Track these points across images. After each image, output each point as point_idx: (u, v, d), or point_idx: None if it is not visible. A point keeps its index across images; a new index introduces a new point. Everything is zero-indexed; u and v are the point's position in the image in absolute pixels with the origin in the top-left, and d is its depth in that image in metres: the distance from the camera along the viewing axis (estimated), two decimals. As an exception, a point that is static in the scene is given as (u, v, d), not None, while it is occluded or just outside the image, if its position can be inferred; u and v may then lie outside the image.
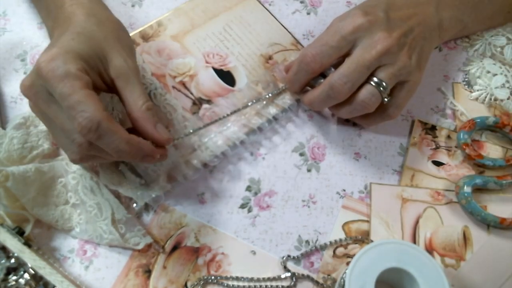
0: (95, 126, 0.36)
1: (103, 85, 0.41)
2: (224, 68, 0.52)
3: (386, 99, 0.44)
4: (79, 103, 0.36)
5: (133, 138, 0.38)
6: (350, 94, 0.44)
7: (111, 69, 0.40)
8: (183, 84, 0.51)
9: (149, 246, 0.44)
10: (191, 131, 0.46)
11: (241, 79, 0.51)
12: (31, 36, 0.56)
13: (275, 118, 0.49)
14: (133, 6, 0.58)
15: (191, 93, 0.51)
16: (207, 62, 0.52)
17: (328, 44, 0.44)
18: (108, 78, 0.41)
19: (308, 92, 0.47)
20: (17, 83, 0.52)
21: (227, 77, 0.52)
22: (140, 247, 0.43)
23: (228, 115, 0.48)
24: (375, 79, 0.43)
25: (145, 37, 0.54)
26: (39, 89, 0.38)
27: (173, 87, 0.51)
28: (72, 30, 0.40)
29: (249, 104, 0.48)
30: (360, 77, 0.43)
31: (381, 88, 0.43)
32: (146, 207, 0.46)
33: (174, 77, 0.52)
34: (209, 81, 0.51)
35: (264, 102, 0.49)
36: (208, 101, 0.50)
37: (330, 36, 0.44)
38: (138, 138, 0.39)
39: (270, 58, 0.53)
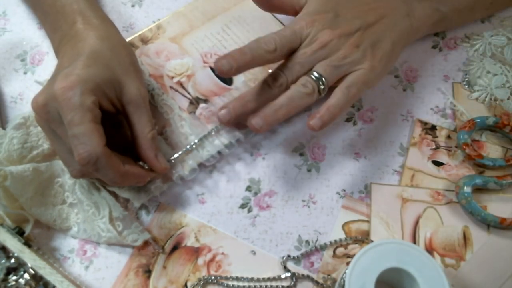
0: (94, 160, 0.38)
1: (112, 107, 0.42)
2: None
3: (323, 88, 0.43)
4: (83, 135, 0.38)
5: (128, 171, 0.41)
6: (283, 89, 0.44)
7: (124, 96, 0.42)
8: (181, 84, 0.51)
9: (148, 245, 0.44)
10: (188, 147, 0.47)
11: (239, 78, 0.51)
12: (31, 36, 0.56)
13: None
14: (133, 6, 0.58)
15: (188, 93, 0.51)
16: (204, 62, 0.53)
17: (281, 35, 0.44)
18: (118, 102, 0.42)
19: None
20: (17, 83, 0.53)
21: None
22: (138, 243, 0.43)
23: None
24: (313, 72, 0.43)
25: (145, 40, 0.54)
26: (51, 110, 0.39)
27: (171, 87, 0.51)
28: (88, 55, 0.41)
29: None
30: (293, 72, 0.44)
31: (318, 80, 0.43)
32: (146, 207, 0.46)
33: (172, 77, 0.52)
34: (206, 81, 0.51)
35: None
36: (205, 101, 0.50)
37: (283, 29, 0.45)
38: (133, 168, 0.41)
39: None
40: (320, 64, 0.44)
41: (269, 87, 0.45)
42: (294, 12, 0.49)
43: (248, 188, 0.47)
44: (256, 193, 0.47)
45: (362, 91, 0.45)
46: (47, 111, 0.39)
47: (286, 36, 0.44)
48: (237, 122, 0.46)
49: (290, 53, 0.45)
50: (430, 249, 0.44)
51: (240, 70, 0.43)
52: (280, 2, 0.49)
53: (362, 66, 0.44)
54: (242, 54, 0.43)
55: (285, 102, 0.43)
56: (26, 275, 0.39)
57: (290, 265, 0.44)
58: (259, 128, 0.43)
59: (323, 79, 0.43)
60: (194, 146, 0.47)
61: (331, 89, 0.44)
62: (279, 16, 0.56)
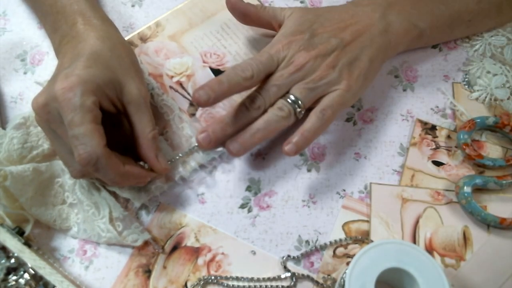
0: (94, 160, 0.38)
1: (113, 108, 0.42)
2: (222, 68, 0.52)
3: (299, 111, 0.44)
4: (84, 136, 0.38)
5: (128, 171, 0.41)
6: (261, 112, 0.45)
7: (125, 96, 0.42)
8: (180, 84, 0.51)
9: (148, 245, 0.44)
10: (189, 149, 0.47)
11: None
12: (31, 36, 0.56)
13: None
14: (133, 6, 0.58)
15: (188, 94, 0.51)
16: (204, 62, 0.52)
17: (258, 60, 0.45)
18: (119, 102, 0.42)
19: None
20: (17, 83, 0.53)
21: None
22: (138, 243, 0.43)
23: None
24: (290, 95, 0.44)
25: (143, 38, 0.54)
26: (52, 110, 0.39)
27: (170, 87, 0.51)
28: (88, 55, 0.41)
29: None
30: (270, 95, 0.44)
31: (294, 104, 0.44)
32: (146, 207, 0.46)
33: (171, 77, 0.52)
34: (206, 81, 0.51)
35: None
36: None
37: (260, 54, 0.45)
38: (133, 169, 0.41)
39: None
40: (296, 86, 0.45)
41: (247, 110, 0.45)
42: (271, 28, 0.50)
43: (248, 188, 0.47)
44: (256, 193, 0.47)
45: (338, 112, 0.46)
46: (48, 111, 0.39)
47: (263, 61, 0.45)
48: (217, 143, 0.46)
49: (267, 77, 0.45)
50: (430, 249, 0.44)
51: (218, 99, 0.43)
52: (257, 17, 0.50)
53: (339, 86, 0.45)
54: (219, 83, 0.43)
55: (261, 126, 0.44)
56: (26, 275, 0.39)
57: (290, 265, 0.44)
58: (236, 153, 0.44)
59: (299, 102, 0.44)
60: (195, 148, 0.47)
61: (309, 109, 0.45)
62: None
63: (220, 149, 0.47)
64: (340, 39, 0.46)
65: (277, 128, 0.45)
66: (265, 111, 0.45)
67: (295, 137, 0.44)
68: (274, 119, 0.44)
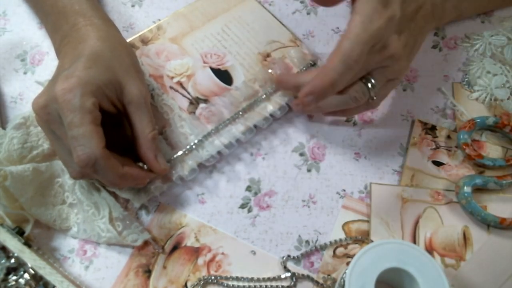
0: (92, 162, 0.38)
1: (113, 108, 0.42)
2: (222, 67, 0.52)
3: (374, 98, 0.44)
4: (83, 137, 0.38)
5: (127, 173, 0.41)
6: (344, 87, 0.43)
7: (125, 96, 0.42)
8: (181, 84, 0.51)
9: (148, 245, 0.44)
10: (188, 147, 0.47)
11: (239, 78, 0.51)
12: (31, 36, 0.56)
13: (272, 115, 0.49)
14: (133, 6, 0.58)
15: (188, 93, 0.51)
16: (204, 62, 0.53)
17: (364, 44, 0.41)
18: (119, 103, 0.42)
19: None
20: (17, 83, 0.53)
21: (224, 76, 0.52)
22: (138, 243, 0.43)
23: (228, 120, 0.48)
24: (370, 79, 0.43)
25: (145, 40, 0.54)
26: (52, 111, 0.39)
27: (171, 87, 0.51)
28: (89, 56, 0.42)
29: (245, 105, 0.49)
30: (353, 75, 0.42)
31: (372, 88, 0.43)
32: (146, 208, 0.46)
33: (172, 77, 0.52)
34: (206, 81, 0.51)
35: (264, 96, 0.49)
36: (205, 101, 0.50)
37: (365, 40, 0.41)
38: (132, 170, 0.41)
39: (268, 55, 0.53)
40: (379, 72, 0.43)
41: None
42: None
43: (248, 188, 0.47)
44: (256, 193, 0.47)
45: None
46: (48, 112, 0.40)
47: (365, 40, 0.40)
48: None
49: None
50: (430, 249, 0.44)
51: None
52: None
53: (402, 75, 0.45)
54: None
55: (335, 103, 0.44)
56: (26, 275, 0.39)
57: (290, 265, 0.44)
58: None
59: (376, 90, 0.43)
60: (194, 146, 0.47)
61: None
62: (279, 16, 0.56)
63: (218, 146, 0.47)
64: (416, 24, 0.44)
65: (345, 108, 0.45)
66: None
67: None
68: (348, 103, 0.44)
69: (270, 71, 0.51)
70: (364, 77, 0.43)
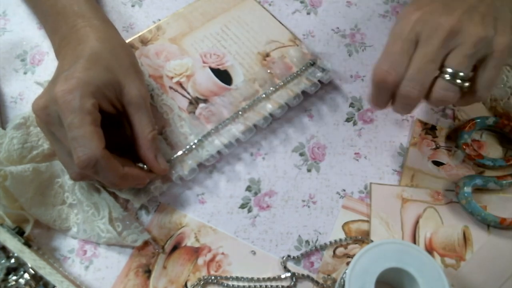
0: (93, 163, 0.38)
1: (113, 109, 0.42)
2: (221, 67, 0.52)
3: (465, 85, 0.38)
4: (83, 138, 0.38)
5: (127, 173, 0.41)
6: (424, 93, 0.39)
7: (125, 97, 0.42)
8: (180, 84, 0.51)
9: (148, 245, 0.44)
10: (187, 147, 0.47)
11: (238, 78, 0.51)
12: (31, 36, 0.56)
13: (271, 115, 0.49)
14: (133, 6, 0.58)
15: (188, 93, 0.51)
16: (204, 62, 0.53)
17: (393, 53, 0.39)
18: (119, 103, 0.42)
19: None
20: (17, 83, 0.53)
21: (224, 76, 0.52)
22: (138, 244, 0.43)
23: (228, 119, 0.48)
24: (447, 69, 0.38)
25: (144, 41, 0.54)
26: (51, 112, 0.39)
27: (170, 87, 0.51)
28: (88, 57, 0.42)
29: (247, 105, 0.48)
30: (428, 74, 0.38)
31: (457, 79, 0.38)
32: (146, 208, 0.46)
33: (171, 77, 0.52)
34: (206, 81, 0.51)
35: (264, 96, 0.49)
36: (205, 101, 0.50)
37: (392, 44, 0.40)
38: (132, 171, 0.42)
39: (267, 55, 0.53)
40: (452, 56, 0.38)
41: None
42: None
43: (248, 188, 0.47)
44: (256, 193, 0.47)
45: (500, 71, 0.39)
46: (48, 113, 0.40)
47: (398, 51, 0.39)
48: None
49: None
50: (430, 249, 0.44)
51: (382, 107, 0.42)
52: None
53: (496, 47, 0.38)
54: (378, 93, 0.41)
55: (437, 103, 0.40)
56: (26, 275, 0.39)
57: (290, 265, 0.44)
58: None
59: (461, 75, 0.38)
60: (193, 146, 0.47)
61: None
62: (277, 16, 0.56)
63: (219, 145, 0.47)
64: None
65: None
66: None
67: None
68: (438, 104, 0.39)
69: (268, 71, 0.51)
70: (441, 70, 0.39)
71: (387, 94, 0.40)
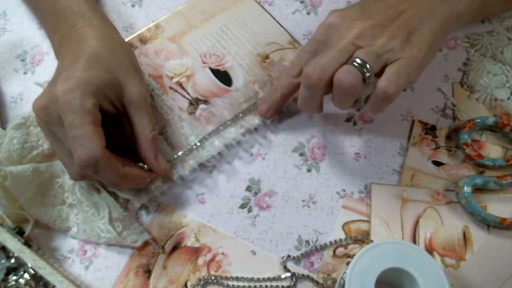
0: (93, 163, 0.38)
1: (113, 108, 0.42)
2: (221, 68, 0.52)
3: (368, 75, 0.40)
4: (83, 137, 0.38)
5: (127, 173, 0.41)
6: (325, 78, 0.40)
7: (125, 96, 0.42)
8: (180, 84, 0.51)
9: (148, 245, 0.44)
10: (188, 147, 0.47)
11: (238, 79, 0.51)
12: (31, 36, 0.56)
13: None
14: (133, 6, 0.58)
15: (188, 94, 0.51)
16: (204, 62, 0.52)
17: (303, 50, 0.44)
18: (119, 103, 0.43)
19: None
20: (17, 83, 0.53)
21: (223, 77, 0.52)
22: (138, 244, 0.43)
23: (228, 121, 0.48)
24: (354, 58, 0.40)
25: (143, 39, 0.54)
26: (52, 112, 0.40)
27: (170, 87, 0.51)
28: (88, 57, 0.42)
29: (246, 107, 0.49)
30: (331, 61, 0.40)
31: (362, 67, 0.40)
32: (146, 208, 0.46)
33: (171, 77, 0.52)
34: (205, 81, 0.51)
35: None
36: (205, 101, 0.50)
37: (305, 44, 0.45)
38: (133, 170, 0.42)
39: (267, 57, 0.53)
40: (360, 50, 0.40)
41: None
42: None
43: (248, 188, 0.47)
44: (256, 193, 0.47)
45: (403, 86, 0.40)
46: (48, 113, 0.40)
47: (307, 49, 0.44)
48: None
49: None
50: (430, 249, 0.44)
51: (278, 106, 0.48)
52: None
53: (402, 55, 0.40)
54: (274, 91, 0.47)
55: (339, 89, 0.41)
56: (26, 275, 0.39)
57: (290, 265, 0.44)
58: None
59: (367, 66, 0.40)
60: (194, 146, 0.47)
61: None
62: (277, 16, 0.56)
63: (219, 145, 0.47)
64: (398, 10, 0.42)
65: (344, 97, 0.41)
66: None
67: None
68: (340, 90, 0.41)
69: (268, 73, 0.51)
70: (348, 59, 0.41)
71: (289, 90, 0.46)
